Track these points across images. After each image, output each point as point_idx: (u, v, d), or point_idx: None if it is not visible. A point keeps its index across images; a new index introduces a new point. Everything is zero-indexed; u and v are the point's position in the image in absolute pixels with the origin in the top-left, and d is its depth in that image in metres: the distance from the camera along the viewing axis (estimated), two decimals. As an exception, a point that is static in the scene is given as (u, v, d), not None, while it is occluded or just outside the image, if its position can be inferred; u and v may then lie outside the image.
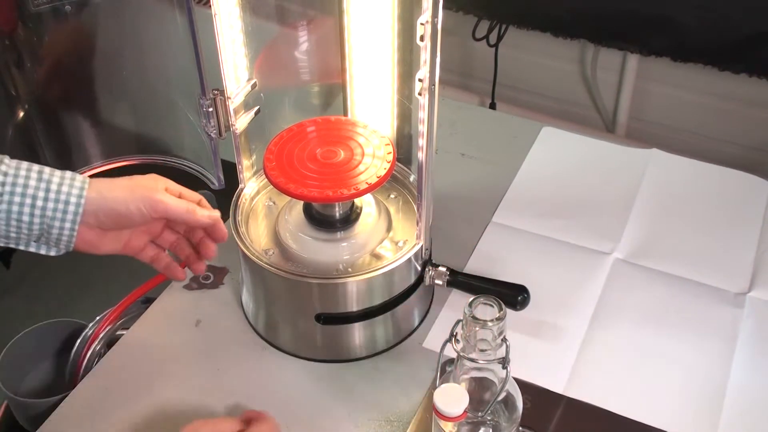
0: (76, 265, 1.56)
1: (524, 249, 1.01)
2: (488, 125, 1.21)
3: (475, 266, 0.98)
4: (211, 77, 0.86)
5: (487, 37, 1.43)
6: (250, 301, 0.92)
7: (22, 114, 1.04)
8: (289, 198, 0.89)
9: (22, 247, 0.75)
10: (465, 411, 0.68)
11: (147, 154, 1.09)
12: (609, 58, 1.41)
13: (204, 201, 0.82)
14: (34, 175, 0.71)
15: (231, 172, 0.94)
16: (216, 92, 0.86)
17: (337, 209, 0.87)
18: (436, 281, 0.90)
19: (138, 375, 0.87)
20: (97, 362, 0.90)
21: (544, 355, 0.89)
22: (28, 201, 0.71)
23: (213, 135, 0.89)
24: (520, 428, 0.76)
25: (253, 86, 0.89)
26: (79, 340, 0.94)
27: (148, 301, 0.96)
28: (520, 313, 0.88)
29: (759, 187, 1.08)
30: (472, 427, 0.71)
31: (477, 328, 0.67)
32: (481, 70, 1.52)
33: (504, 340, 0.68)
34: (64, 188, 0.72)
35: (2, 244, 0.75)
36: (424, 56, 0.74)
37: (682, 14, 1.24)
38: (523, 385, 0.85)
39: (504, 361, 0.69)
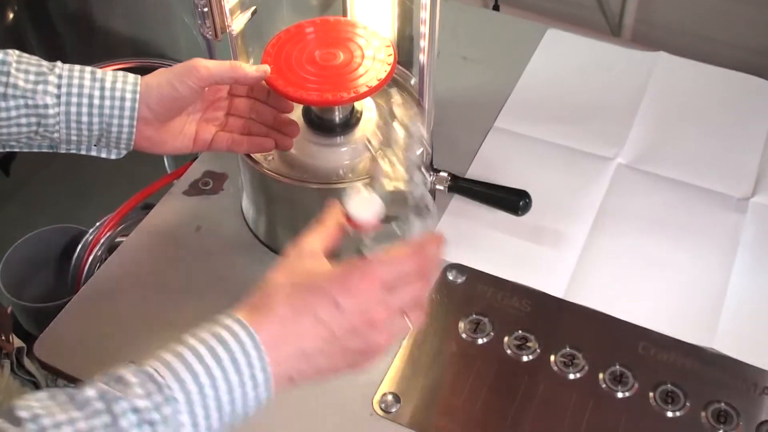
0: (76, 172, 1.55)
1: (526, 154, 0.99)
2: (491, 28, 1.18)
3: (476, 171, 0.97)
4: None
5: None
6: (250, 206, 0.91)
7: (12, 16, 1.01)
8: (288, 102, 0.87)
9: (83, 152, 0.75)
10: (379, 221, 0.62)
11: (142, 57, 1.07)
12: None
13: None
14: (87, 75, 0.71)
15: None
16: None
17: (336, 113, 0.85)
18: (438, 186, 0.89)
19: (138, 280, 0.87)
20: (98, 268, 0.90)
21: (545, 260, 0.88)
22: (85, 101, 0.71)
23: (209, 37, 0.86)
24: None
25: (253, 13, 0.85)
26: (80, 246, 0.94)
27: (148, 207, 0.95)
28: (521, 218, 0.87)
29: (766, 91, 1.06)
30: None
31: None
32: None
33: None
34: (118, 85, 0.72)
35: (64, 150, 0.75)
36: (427, -46, 0.71)
37: None
38: (523, 290, 0.85)
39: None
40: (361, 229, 0.62)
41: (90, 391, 0.49)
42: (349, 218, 0.62)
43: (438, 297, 0.85)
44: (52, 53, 1.06)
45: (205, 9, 0.84)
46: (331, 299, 0.55)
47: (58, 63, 0.72)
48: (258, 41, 0.89)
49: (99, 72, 0.72)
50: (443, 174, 0.89)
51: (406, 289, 0.58)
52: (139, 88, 0.72)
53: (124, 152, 0.76)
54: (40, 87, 0.70)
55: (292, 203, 0.86)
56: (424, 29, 0.77)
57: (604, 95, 1.06)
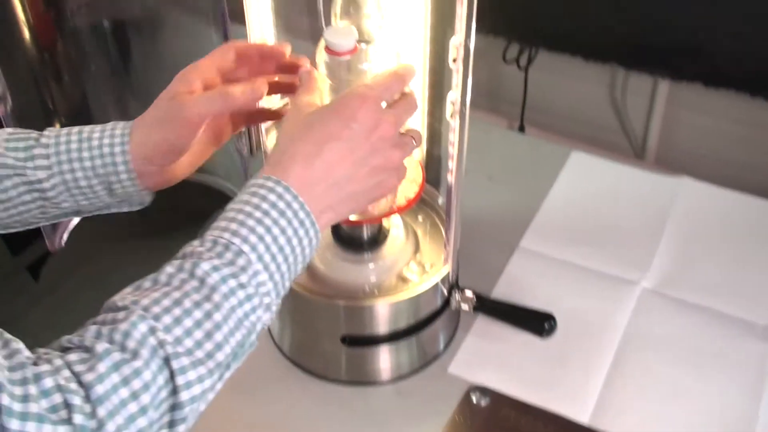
0: (104, 281, 1.57)
1: (552, 275, 1.00)
2: (517, 149, 1.20)
3: (502, 291, 0.97)
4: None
5: (517, 59, 1.43)
6: (275, 320, 0.92)
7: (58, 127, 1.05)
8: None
9: (105, 212, 0.73)
10: (356, 46, 0.69)
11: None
12: (639, 83, 1.40)
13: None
14: (74, 138, 0.68)
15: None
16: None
17: (365, 230, 0.87)
18: (463, 306, 0.89)
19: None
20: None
21: (570, 384, 0.87)
22: (77, 165, 0.67)
23: (244, 153, 0.89)
24: None
25: (286, 104, 0.88)
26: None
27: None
28: (546, 340, 0.87)
29: (791, 218, 1.06)
30: None
31: None
32: (510, 93, 1.51)
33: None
34: (106, 140, 0.68)
35: (88, 214, 0.73)
36: (456, 78, 0.73)
37: (714, 41, 1.23)
38: (548, 416, 0.84)
39: None
40: (340, 55, 0.69)
41: (168, 269, 0.55)
42: (328, 48, 0.68)
43: (460, 419, 0.83)
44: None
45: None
46: (343, 124, 0.62)
47: (46, 131, 0.69)
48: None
49: (86, 130, 0.68)
50: (469, 293, 0.89)
51: (399, 103, 0.67)
52: (127, 139, 0.68)
53: (147, 199, 0.73)
54: (29, 163, 0.67)
55: (317, 319, 0.86)
56: (453, 150, 0.79)
57: (629, 218, 1.07)
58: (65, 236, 1.07)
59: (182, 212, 1.26)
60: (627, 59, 1.33)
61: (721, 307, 0.95)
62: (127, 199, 0.72)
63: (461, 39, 0.70)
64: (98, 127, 0.69)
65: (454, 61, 0.72)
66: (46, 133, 0.68)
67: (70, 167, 0.67)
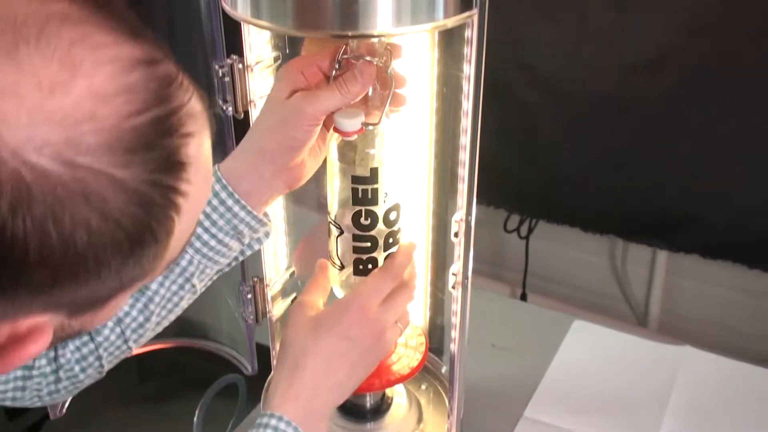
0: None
1: (557, 446, 0.98)
2: (519, 317, 1.22)
3: (506, 462, 0.96)
4: (251, 264, 0.89)
5: (518, 229, 1.47)
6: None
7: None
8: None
9: (242, 258, 0.76)
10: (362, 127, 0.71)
11: (184, 337, 1.11)
12: (639, 252, 1.43)
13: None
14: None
15: (265, 356, 0.95)
16: (255, 279, 0.88)
17: (368, 399, 0.87)
18: (467, 478, 0.88)
19: None
20: None
21: None
22: (198, 229, 0.69)
23: (250, 321, 0.91)
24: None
25: (292, 274, 0.91)
26: None
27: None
28: None
29: (796, 389, 1.06)
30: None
31: None
32: (512, 261, 1.55)
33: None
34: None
35: (227, 268, 0.77)
36: (458, 251, 0.76)
37: (709, 212, 1.27)
38: None
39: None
40: (348, 135, 0.71)
41: None
42: (337, 128, 0.71)
43: None
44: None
45: (249, 296, 0.89)
46: (343, 335, 0.71)
47: None
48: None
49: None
50: (473, 465, 0.88)
51: (396, 301, 0.74)
52: (224, 180, 0.70)
53: (266, 222, 0.73)
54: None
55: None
56: (455, 320, 0.81)
57: (633, 388, 1.07)
58: (67, 403, 1.07)
59: (185, 378, 1.26)
60: (625, 231, 1.37)
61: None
62: (255, 235, 0.74)
63: (462, 215, 0.74)
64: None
65: (456, 235, 0.75)
66: None
67: (196, 235, 0.70)
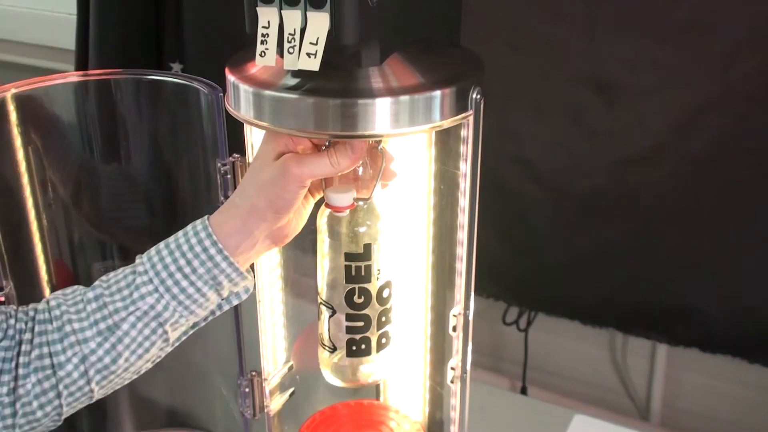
0: None
1: None
2: (520, 411, 1.21)
3: None
4: (249, 355, 0.89)
5: (516, 321, 1.47)
6: None
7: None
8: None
9: (219, 312, 0.75)
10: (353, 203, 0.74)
11: (177, 427, 1.10)
12: (639, 345, 1.43)
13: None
14: (165, 252, 0.70)
15: (262, 452, 0.94)
16: (254, 373, 0.88)
17: (366, 497, 0.86)
18: None
19: None
20: None
21: None
22: (179, 276, 0.69)
23: (247, 415, 0.90)
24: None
25: (290, 368, 0.91)
26: None
27: None
28: None
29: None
30: None
31: None
32: (511, 354, 1.54)
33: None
34: (193, 240, 0.70)
35: (205, 322, 0.75)
36: (457, 345, 0.77)
37: (707, 305, 1.27)
38: None
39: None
40: (339, 210, 0.73)
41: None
42: (328, 204, 0.73)
43: None
44: (92, 419, 1.10)
45: (246, 389, 0.89)
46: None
47: (136, 259, 0.72)
48: (294, 420, 0.93)
49: (171, 241, 0.71)
50: None
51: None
52: (210, 230, 0.70)
53: (248, 280, 0.73)
54: (135, 294, 0.70)
55: None
56: (455, 415, 0.81)
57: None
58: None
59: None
60: (624, 324, 1.37)
61: None
62: (234, 290, 0.73)
63: (460, 309, 0.75)
64: (180, 234, 0.72)
65: (454, 329, 0.76)
66: (137, 260, 0.72)
67: (174, 280, 0.70)
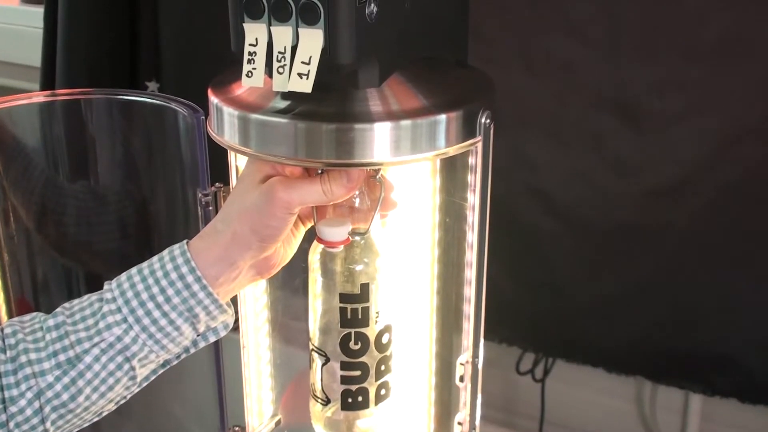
0: None
1: None
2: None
3: None
4: (232, 407, 0.89)
5: (532, 371, 1.47)
6: None
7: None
8: None
9: (194, 350, 0.74)
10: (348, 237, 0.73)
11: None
12: (669, 397, 1.42)
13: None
14: (137, 278, 0.70)
15: None
16: (237, 429, 0.88)
17: None
18: None
19: None
20: None
21: None
22: (151, 305, 0.69)
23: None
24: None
25: (277, 423, 0.91)
26: None
27: None
28: None
29: None
30: None
31: None
32: (526, 407, 1.53)
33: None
34: (169, 266, 0.70)
35: (177, 360, 0.74)
36: (464, 397, 0.77)
37: (746, 352, 1.27)
38: None
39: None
40: (333, 246, 0.73)
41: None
42: (320, 239, 0.73)
43: None
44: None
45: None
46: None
47: (105, 286, 0.71)
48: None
49: (145, 266, 0.71)
50: None
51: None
52: (188, 256, 0.70)
53: (228, 314, 0.72)
54: (101, 323, 0.69)
55: None
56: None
57: None
58: None
59: None
60: (653, 372, 1.37)
61: None
62: (212, 327, 0.73)
63: (468, 357, 0.75)
64: (154, 259, 0.71)
65: (461, 379, 0.76)
66: (105, 287, 0.71)
67: (145, 310, 0.69)
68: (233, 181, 0.79)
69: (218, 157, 0.79)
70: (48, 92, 1.14)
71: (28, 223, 1.05)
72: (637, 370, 1.38)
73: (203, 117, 0.81)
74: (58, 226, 1.09)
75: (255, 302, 0.87)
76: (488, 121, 0.68)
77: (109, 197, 1.10)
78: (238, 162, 0.78)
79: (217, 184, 0.82)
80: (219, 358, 0.89)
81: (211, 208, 0.82)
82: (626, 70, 1.19)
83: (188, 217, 0.90)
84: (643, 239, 1.26)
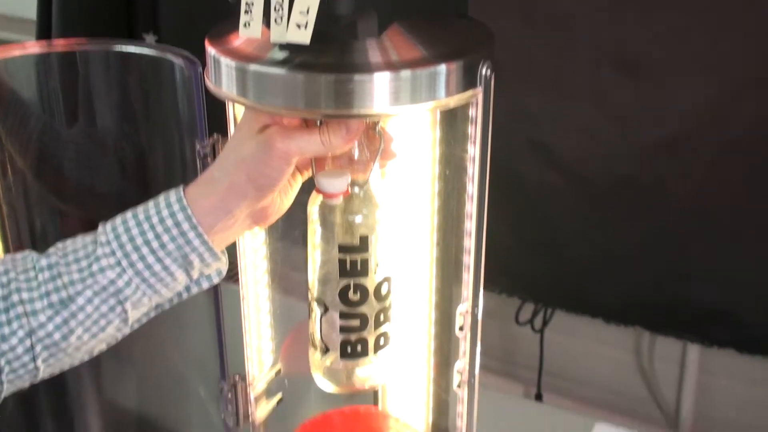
0: None
1: None
2: (534, 420, 1.22)
3: None
4: (232, 357, 0.90)
5: (531, 321, 1.48)
6: None
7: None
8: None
9: (186, 295, 0.74)
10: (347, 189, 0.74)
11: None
12: (667, 347, 1.43)
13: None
14: (131, 222, 0.70)
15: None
16: (237, 377, 0.89)
17: None
18: None
19: None
20: None
21: None
22: (145, 250, 0.69)
23: (230, 423, 0.91)
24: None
25: (278, 372, 0.92)
26: None
27: None
28: None
29: None
30: None
31: None
32: (525, 357, 1.55)
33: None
34: (165, 212, 0.70)
35: (170, 305, 0.75)
36: (464, 347, 0.77)
37: (744, 303, 1.28)
38: None
39: None
40: (332, 198, 0.73)
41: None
42: (319, 190, 0.73)
43: None
44: (61, 425, 1.11)
45: (229, 395, 0.90)
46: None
47: (99, 228, 0.71)
48: (281, 429, 0.94)
49: (141, 213, 0.70)
50: None
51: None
52: (185, 203, 0.70)
53: (221, 260, 0.73)
54: (95, 266, 0.69)
55: None
56: (461, 423, 0.81)
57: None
58: None
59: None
60: (652, 323, 1.38)
61: None
62: (205, 272, 0.73)
63: (468, 306, 0.75)
64: (150, 203, 0.71)
65: (461, 329, 0.76)
66: (99, 229, 0.71)
67: (139, 255, 0.69)
68: (231, 132, 0.79)
69: (216, 108, 0.78)
70: (43, 43, 1.13)
71: (26, 171, 1.04)
72: (635, 320, 1.39)
73: (201, 68, 0.81)
74: (56, 172, 1.08)
75: (254, 253, 0.87)
76: (489, 71, 0.68)
77: (107, 142, 1.10)
78: (236, 113, 0.78)
79: (215, 135, 0.81)
80: (219, 309, 0.89)
81: (209, 159, 0.81)
82: (628, 21, 1.18)
83: (186, 168, 0.90)
84: (643, 193, 1.27)
